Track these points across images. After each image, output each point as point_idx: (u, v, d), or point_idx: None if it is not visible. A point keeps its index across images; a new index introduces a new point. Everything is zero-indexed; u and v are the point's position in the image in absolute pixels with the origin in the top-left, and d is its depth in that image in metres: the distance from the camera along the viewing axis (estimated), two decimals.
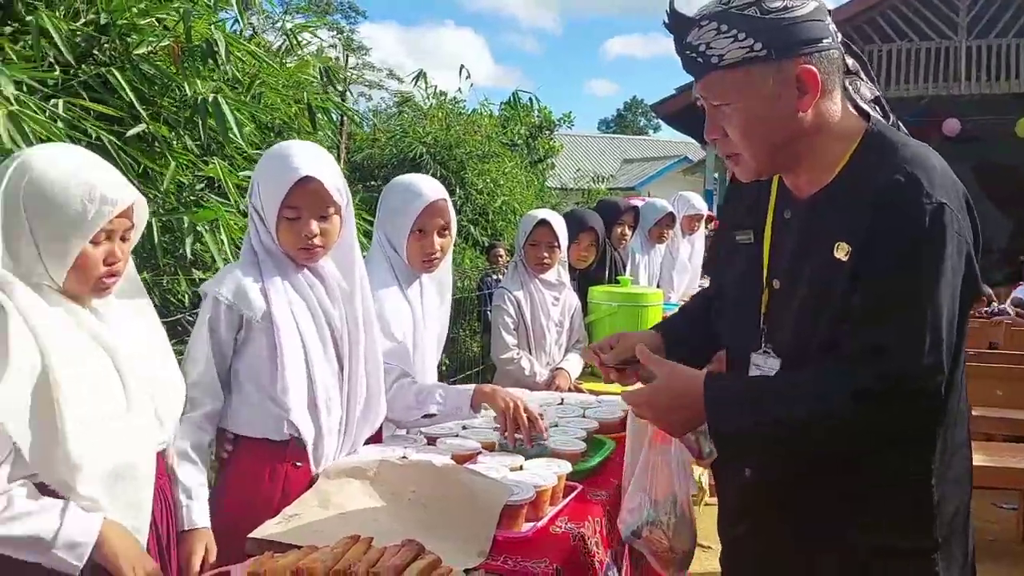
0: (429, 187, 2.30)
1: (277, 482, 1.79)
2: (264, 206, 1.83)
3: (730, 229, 1.54)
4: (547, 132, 12.72)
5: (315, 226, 1.80)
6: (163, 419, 1.59)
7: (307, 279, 1.88)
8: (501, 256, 7.67)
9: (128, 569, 1.43)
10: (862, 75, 1.39)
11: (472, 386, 2.19)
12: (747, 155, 1.33)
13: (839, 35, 1.31)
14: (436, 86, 11.26)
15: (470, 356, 6.06)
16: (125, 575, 1.43)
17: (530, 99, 12.23)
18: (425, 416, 2.15)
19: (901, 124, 1.42)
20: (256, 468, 1.80)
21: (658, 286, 4.70)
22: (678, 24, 1.30)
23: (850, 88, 1.37)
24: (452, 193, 9.33)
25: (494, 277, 6.76)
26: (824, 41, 1.26)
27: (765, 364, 1.41)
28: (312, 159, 1.81)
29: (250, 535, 1.58)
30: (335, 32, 22.28)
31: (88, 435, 1.40)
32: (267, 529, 1.60)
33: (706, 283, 3.95)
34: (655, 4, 1.28)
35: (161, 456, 1.62)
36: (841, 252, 1.27)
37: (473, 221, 9.66)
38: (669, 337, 1.67)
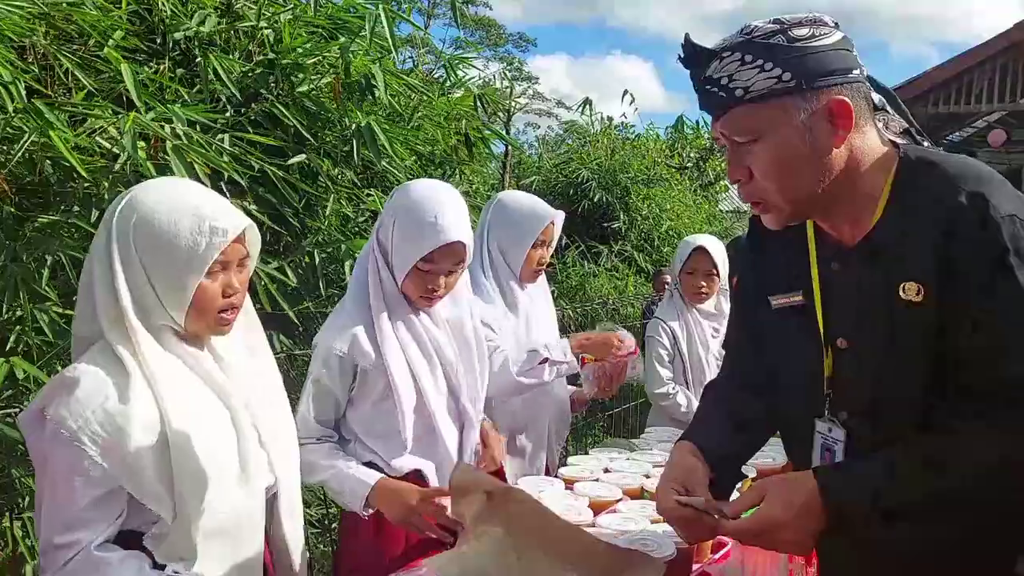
0: (545, 208, 2.39)
1: None
2: (397, 253, 1.82)
3: (760, 295, 1.36)
4: (718, 154, 12.31)
5: (443, 280, 1.83)
6: (274, 464, 1.52)
7: (417, 316, 1.88)
8: (668, 283, 7.43)
9: None
10: (890, 109, 1.26)
11: None
12: (777, 197, 1.20)
13: (866, 69, 1.18)
14: (602, 113, 11.24)
15: (633, 387, 5.86)
16: None
17: (697, 122, 11.99)
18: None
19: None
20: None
21: None
22: (696, 57, 1.19)
23: (879, 124, 1.23)
24: (615, 219, 9.40)
25: (659, 305, 6.54)
26: (853, 72, 1.17)
27: (830, 433, 1.26)
28: (456, 220, 1.79)
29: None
30: (505, 64, 22.85)
31: (198, 491, 1.35)
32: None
33: None
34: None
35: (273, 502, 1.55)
36: (911, 293, 1.14)
37: (638, 247, 9.48)
38: (713, 458, 1.37)
